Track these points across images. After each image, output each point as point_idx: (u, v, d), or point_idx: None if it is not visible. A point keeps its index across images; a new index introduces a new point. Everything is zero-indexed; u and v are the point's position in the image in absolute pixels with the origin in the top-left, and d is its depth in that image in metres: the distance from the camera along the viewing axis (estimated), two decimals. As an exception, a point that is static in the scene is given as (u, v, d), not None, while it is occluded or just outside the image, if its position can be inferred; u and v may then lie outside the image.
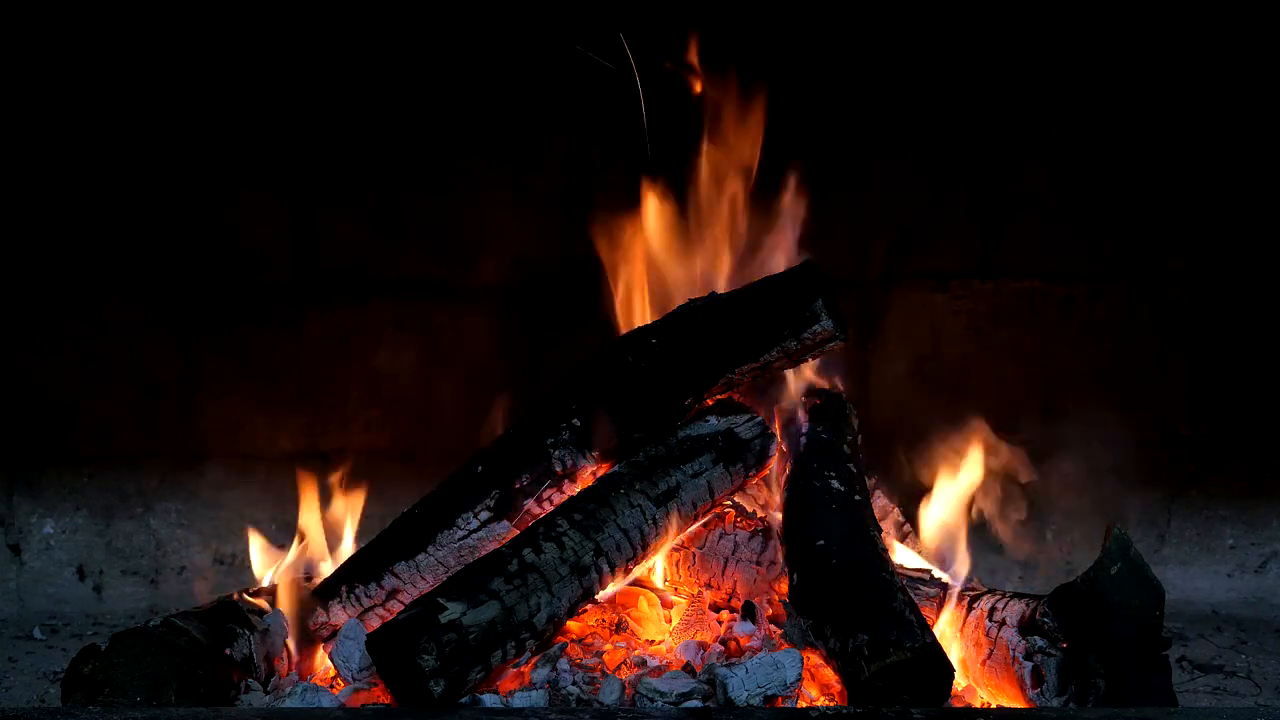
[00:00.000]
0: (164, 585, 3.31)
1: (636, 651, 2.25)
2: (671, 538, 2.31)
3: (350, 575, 2.38)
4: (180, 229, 3.28)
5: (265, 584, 2.45)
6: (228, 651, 2.15)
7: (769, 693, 2.02)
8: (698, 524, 2.38)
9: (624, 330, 2.56)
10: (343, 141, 3.28)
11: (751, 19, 3.19)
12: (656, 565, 2.45)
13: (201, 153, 3.26)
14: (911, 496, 2.65)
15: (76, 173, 3.25)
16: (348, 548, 2.53)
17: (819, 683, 2.13)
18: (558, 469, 2.36)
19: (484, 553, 2.23)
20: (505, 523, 2.34)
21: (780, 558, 2.35)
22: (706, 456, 2.33)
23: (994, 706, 2.12)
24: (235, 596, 2.36)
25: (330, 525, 2.55)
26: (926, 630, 2.01)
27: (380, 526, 2.48)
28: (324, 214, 3.31)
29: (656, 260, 2.63)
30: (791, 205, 2.62)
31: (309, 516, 2.49)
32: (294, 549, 2.50)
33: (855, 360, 3.27)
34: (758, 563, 2.38)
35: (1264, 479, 3.38)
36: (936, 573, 2.42)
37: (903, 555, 2.52)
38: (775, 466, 2.47)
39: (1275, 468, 3.38)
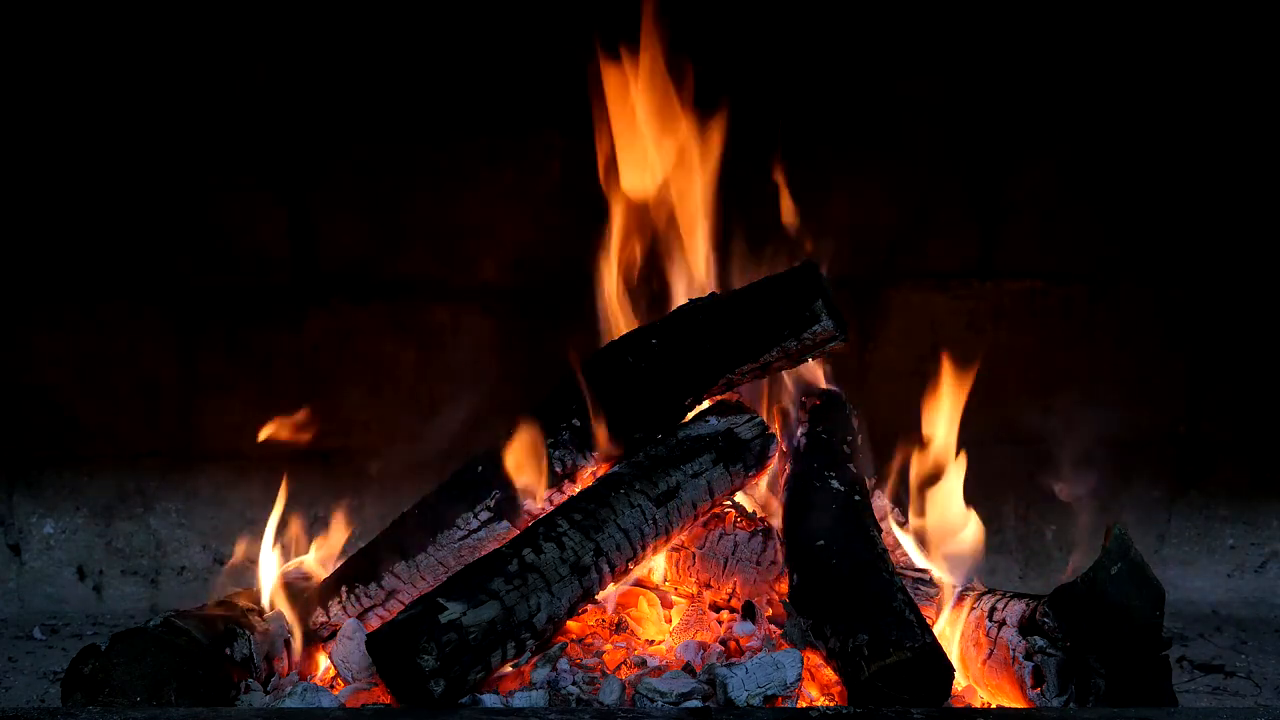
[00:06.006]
0: (164, 585, 3.31)
1: (636, 651, 2.26)
2: (671, 538, 2.31)
3: (350, 575, 2.38)
4: (180, 229, 3.28)
5: (265, 584, 2.45)
6: (228, 651, 2.15)
7: (769, 693, 2.02)
8: (698, 524, 2.38)
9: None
10: (343, 141, 3.28)
11: (753, 15, 3.20)
12: (656, 565, 2.45)
13: (202, 153, 3.26)
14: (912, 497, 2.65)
15: (78, 172, 3.25)
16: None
17: (819, 683, 2.13)
18: (558, 469, 2.36)
19: (484, 553, 2.23)
20: (505, 523, 2.34)
21: (780, 558, 2.35)
22: (706, 456, 2.33)
23: (994, 706, 2.12)
24: (235, 596, 2.36)
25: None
26: (926, 630, 2.01)
27: (380, 526, 2.48)
28: (324, 214, 3.31)
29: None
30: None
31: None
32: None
33: (855, 360, 3.28)
34: (758, 563, 2.38)
35: (1264, 479, 3.38)
36: (937, 572, 2.42)
37: (902, 555, 2.52)
38: (775, 466, 2.47)
39: (1275, 468, 3.38)
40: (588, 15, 2.76)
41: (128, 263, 3.28)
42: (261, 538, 2.49)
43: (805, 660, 2.09)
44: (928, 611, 2.22)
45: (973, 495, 2.57)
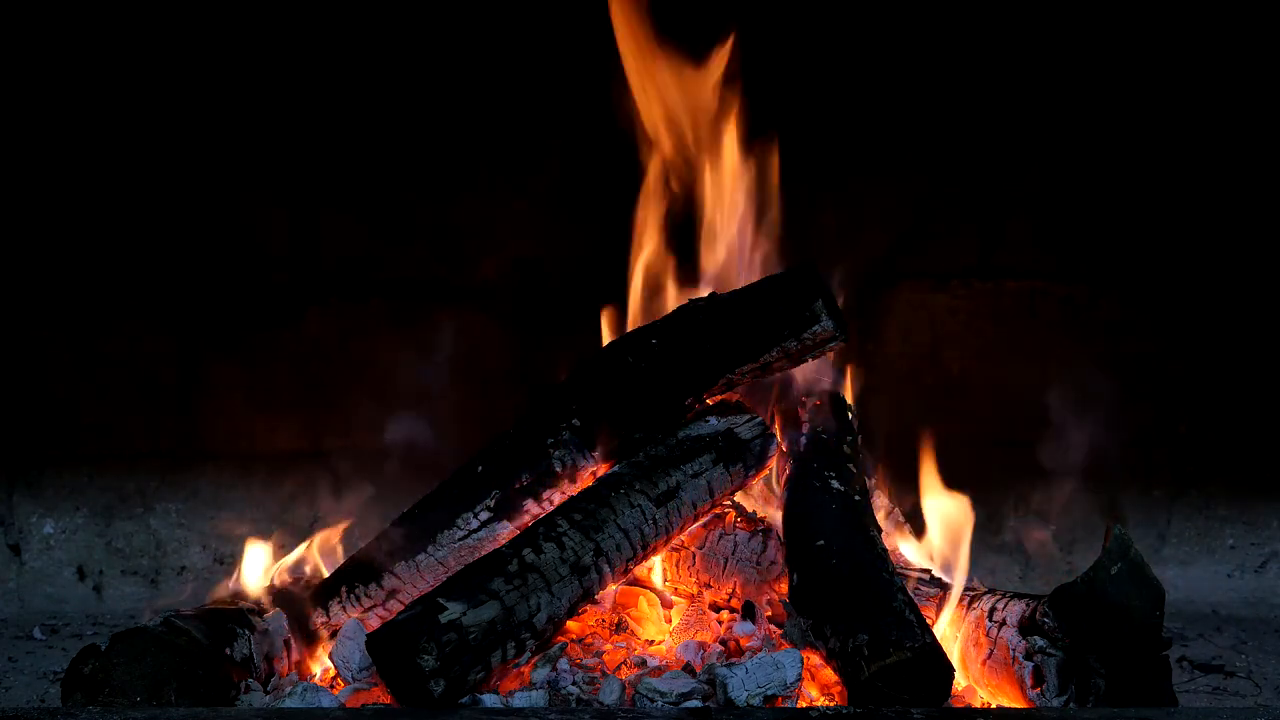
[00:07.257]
0: (164, 585, 3.31)
1: (636, 651, 2.26)
2: (671, 538, 2.31)
3: (350, 575, 2.38)
4: (181, 229, 3.29)
5: (266, 584, 2.45)
6: (228, 651, 2.15)
7: (769, 693, 2.02)
8: (698, 524, 2.38)
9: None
10: (344, 142, 3.28)
11: (754, 16, 3.19)
12: (656, 565, 2.45)
13: (203, 153, 3.26)
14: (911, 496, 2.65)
15: (79, 173, 3.26)
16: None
17: (819, 683, 2.13)
18: (558, 469, 2.36)
19: (484, 553, 2.23)
20: (505, 523, 2.34)
21: (780, 558, 2.35)
22: (706, 457, 2.33)
23: (994, 706, 2.12)
24: (235, 597, 2.36)
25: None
26: (926, 630, 2.01)
27: (380, 526, 2.48)
28: (325, 214, 3.31)
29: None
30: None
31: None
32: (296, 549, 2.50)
33: (855, 360, 3.28)
34: (758, 563, 2.38)
35: (1264, 479, 3.38)
36: (936, 572, 2.42)
37: (903, 555, 2.52)
38: (775, 466, 2.47)
39: (1275, 468, 3.38)
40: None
41: (129, 262, 3.28)
42: (265, 539, 2.49)
43: (805, 660, 2.09)
44: (928, 611, 2.22)
45: (974, 495, 2.58)
